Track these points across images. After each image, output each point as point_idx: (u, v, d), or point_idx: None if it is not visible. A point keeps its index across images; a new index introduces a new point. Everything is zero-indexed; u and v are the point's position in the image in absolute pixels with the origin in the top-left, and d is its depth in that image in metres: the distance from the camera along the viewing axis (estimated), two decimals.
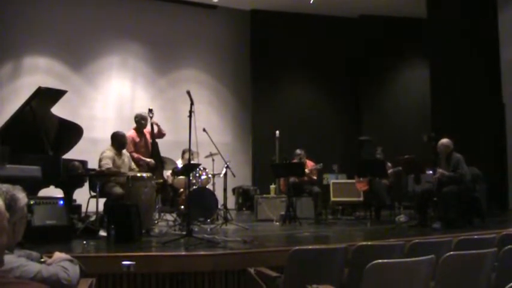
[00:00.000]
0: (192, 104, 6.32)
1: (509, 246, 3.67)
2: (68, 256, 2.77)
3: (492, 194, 9.83)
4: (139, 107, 10.93)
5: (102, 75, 13.60)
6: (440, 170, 7.83)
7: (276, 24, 14.36)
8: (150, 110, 8.25)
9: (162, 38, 13.98)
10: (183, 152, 9.47)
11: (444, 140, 8.02)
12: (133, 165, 7.63)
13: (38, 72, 12.73)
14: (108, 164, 7.11)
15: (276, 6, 14.30)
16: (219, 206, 8.81)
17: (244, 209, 12.77)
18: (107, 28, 13.42)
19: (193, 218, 7.52)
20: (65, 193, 7.14)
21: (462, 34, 11.46)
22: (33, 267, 2.41)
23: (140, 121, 8.20)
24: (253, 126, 14.38)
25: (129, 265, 4.57)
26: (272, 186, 11.60)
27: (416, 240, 4.30)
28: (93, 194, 7.09)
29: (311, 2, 13.06)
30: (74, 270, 2.61)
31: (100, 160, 7.24)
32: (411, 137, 12.11)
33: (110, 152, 7.32)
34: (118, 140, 7.47)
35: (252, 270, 4.26)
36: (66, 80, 12.58)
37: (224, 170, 9.15)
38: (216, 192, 8.88)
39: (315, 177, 9.84)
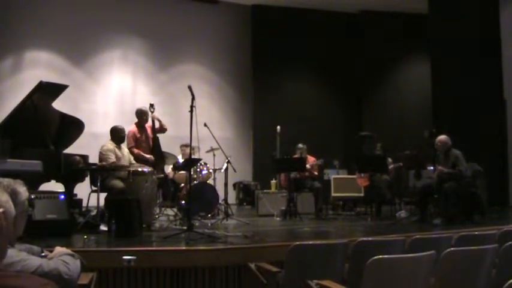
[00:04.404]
0: (193, 98, 6.31)
1: (509, 243, 3.66)
2: (68, 250, 2.77)
3: (493, 189, 9.83)
4: (140, 102, 10.94)
5: (103, 69, 13.60)
6: (439, 167, 7.83)
7: (277, 19, 14.33)
8: (151, 105, 8.24)
9: (163, 33, 13.96)
10: (181, 147, 9.49)
11: (442, 137, 8.01)
12: (132, 160, 7.64)
13: (39, 66, 12.73)
14: (111, 158, 7.13)
15: (277, 1, 14.29)
16: (220, 201, 8.82)
17: (245, 204, 12.78)
18: (108, 22, 13.39)
19: (194, 212, 7.52)
20: (65, 187, 7.16)
21: (464, 30, 11.44)
22: (34, 261, 2.41)
23: (141, 116, 8.18)
24: (255, 121, 14.37)
25: (129, 260, 4.57)
26: (273, 182, 11.60)
27: (417, 236, 4.30)
28: (94, 188, 7.10)
29: None
30: (74, 264, 2.61)
31: (101, 154, 7.26)
32: (412, 132, 12.10)
33: (110, 145, 7.36)
34: (117, 135, 7.50)
35: (252, 265, 4.26)
36: (67, 75, 12.57)
37: (225, 165, 9.14)
38: (216, 187, 8.88)
39: (315, 173, 9.85)
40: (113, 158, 7.16)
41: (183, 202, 8.38)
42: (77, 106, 11.72)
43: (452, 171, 7.73)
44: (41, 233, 5.08)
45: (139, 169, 7.16)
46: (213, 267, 4.87)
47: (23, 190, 2.40)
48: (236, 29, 14.76)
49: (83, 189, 7.50)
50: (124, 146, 7.69)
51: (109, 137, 7.56)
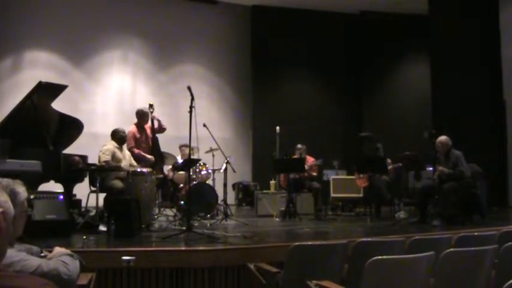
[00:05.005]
0: (192, 99, 6.32)
1: (509, 243, 3.66)
2: (68, 251, 2.77)
3: (492, 190, 9.83)
4: (140, 102, 10.96)
5: (103, 70, 13.59)
6: (440, 168, 7.83)
7: (277, 20, 14.33)
8: (151, 105, 8.24)
9: (163, 33, 13.96)
10: (180, 147, 9.49)
11: (442, 138, 8.02)
12: (133, 162, 7.63)
13: (38, 66, 12.72)
14: (106, 156, 7.13)
15: (276, 2, 14.28)
16: (219, 202, 8.81)
17: (244, 204, 12.77)
18: (107, 23, 13.40)
19: (193, 213, 7.52)
20: (65, 188, 7.16)
21: (463, 31, 11.45)
22: (34, 261, 2.41)
23: (142, 117, 8.17)
24: (254, 122, 14.37)
25: (129, 260, 4.57)
26: (272, 182, 11.60)
27: (417, 237, 4.30)
28: (93, 188, 7.10)
29: None
30: (74, 265, 2.61)
31: (99, 152, 7.26)
32: (412, 133, 12.11)
33: (110, 146, 7.36)
34: (118, 137, 7.50)
35: (251, 266, 4.26)
36: (67, 75, 12.58)
37: (224, 165, 9.14)
38: (216, 188, 8.87)
39: (314, 173, 9.85)
40: (107, 157, 7.14)
41: (182, 202, 8.38)
42: (77, 106, 11.72)
43: (453, 172, 7.73)
44: (40, 233, 5.08)
45: (139, 169, 7.16)
46: (212, 267, 4.86)
47: (22, 190, 2.40)
48: (236, 29, 14.76)
49: (82, 190, 7.50)
50: (125, 147, 7.69)
51: (109, 137, 7.57)
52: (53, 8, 12.86)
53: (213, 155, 9.42)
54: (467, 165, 7.90)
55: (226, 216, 8.37)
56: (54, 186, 7.15)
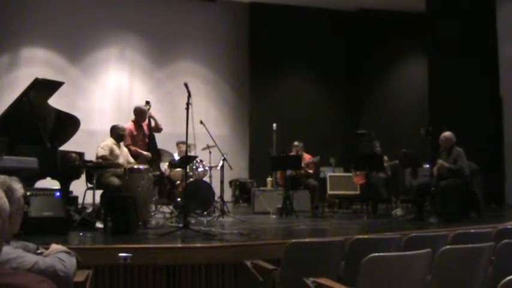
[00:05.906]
0: (189, 96, 6.31)
1: (506, 241, 3.67)
2: (64, 248, 2.76)
3: (489, 188, 9.85)
4: (137, 99, 10.94)
5: (100, 67, 13.56)
6: (440, 161, 7.84)
7: (275, 17, 14.28)
8: (147, 102, 8.24)
9: (160, 30, 13.91)
10: (177, 144, 9.49)
11: (447, 133, 8.03)
12: (131, 159, 7.61)
13: (35, 63, 12.67)
14: (104, 151, 7.12)
15: None
16: (216, 199, 8.81)
17: (241, 201, 12.76)
18: (104, 20, 13.35)
19: (190, 210, 7.53)
20: (61, 185, 7.14)
21: (461, 30, 11.45)
22: (30, 258, 2.40)
23: (140, 115, 8.13)
24: (251, 119, 14.35)
25: (125, 257, 4.57)
26: (269, 179, 11.60)
27: (413, 234, 4.31)
28: (89, 185, 7.09)
29: None
30: (70, 262, 2.60)
31: (98, 148, 7.25)
32: (409, 131, 12.11)
33: (108, 141, 7.36)
34: (116, 134, 7.48)
35: (248, 263, 4.26)
36: (64, 72, 12.54)
37: (221, 162, 9.14)
38: (212, 185, 8.88)
39: (311, 171, 9.85)
40: (104, 152, 7.13)
41: (179, 199, 8.38)
42: (74, 103, 11.68)
43: (453, 167, 7.74)
44: (37, 230, 5.07)
45: (135, 166, 7.15)
46: (209, 264, 4.87)
47: (18, 187, 2.39)
48: (233, 26, 14.72)
49: (78, 187, 7.49)
50: (122, 144, 7.68)
51: (106, 134, 7.57)
52: (50, 5, 12.81)
53: (210, 152, 9.40)
54: (467, 163, 7.92)
55: (223, 213, 8.37)
56: (51, 183, 7.14)
